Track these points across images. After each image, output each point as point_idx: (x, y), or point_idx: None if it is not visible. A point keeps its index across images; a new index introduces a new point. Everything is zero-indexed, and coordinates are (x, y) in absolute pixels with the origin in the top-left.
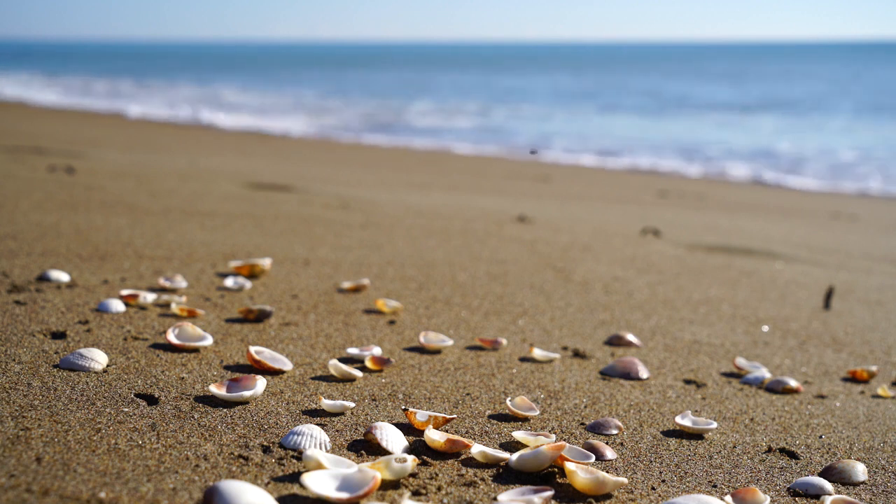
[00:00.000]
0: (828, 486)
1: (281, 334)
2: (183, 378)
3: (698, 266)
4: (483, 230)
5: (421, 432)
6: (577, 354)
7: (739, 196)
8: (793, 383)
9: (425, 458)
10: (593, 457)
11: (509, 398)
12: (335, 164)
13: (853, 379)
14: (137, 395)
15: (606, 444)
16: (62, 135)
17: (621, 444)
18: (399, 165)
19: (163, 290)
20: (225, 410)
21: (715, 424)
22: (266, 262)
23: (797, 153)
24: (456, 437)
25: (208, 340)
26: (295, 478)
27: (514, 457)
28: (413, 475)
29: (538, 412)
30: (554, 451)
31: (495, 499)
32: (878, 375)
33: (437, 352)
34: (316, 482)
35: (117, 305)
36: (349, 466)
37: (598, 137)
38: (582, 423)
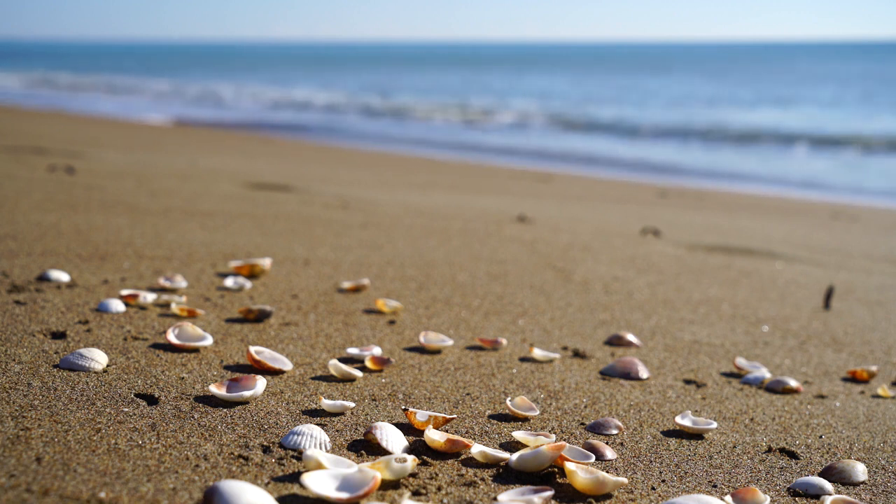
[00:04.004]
0: (828, 486)
1: (281, 334)
2: (183, 378)
3: (698, 266)
4: (483, 230)
5: (421, 432)
6: (577, 354)
7: (739, 196)
8: (793, 383)
9: (425, 458)
10: (593, 457)
11: (509, 398)
12: (335, 164)
13: (853, 379)
14: (137, 395)
15: (606, 444)
16: (62, 135)
17: (621, 444)
18: (399, 165)
19: (163, 290)
20: (225, 410)
21: (715, 424)
22: (266, 262)
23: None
24: (456, 437)
25: (208, 340)
26: (295, 478)
27: (514, 457)
28: (413, 475)
29: (538, 412)
30: (554, 451)
31: (495, 499)
32: (878, 375)
33: (437, 352)
34: (316, 482)
35: (117, 305)
36: (349, 466)
37: None
38: (582, 423)
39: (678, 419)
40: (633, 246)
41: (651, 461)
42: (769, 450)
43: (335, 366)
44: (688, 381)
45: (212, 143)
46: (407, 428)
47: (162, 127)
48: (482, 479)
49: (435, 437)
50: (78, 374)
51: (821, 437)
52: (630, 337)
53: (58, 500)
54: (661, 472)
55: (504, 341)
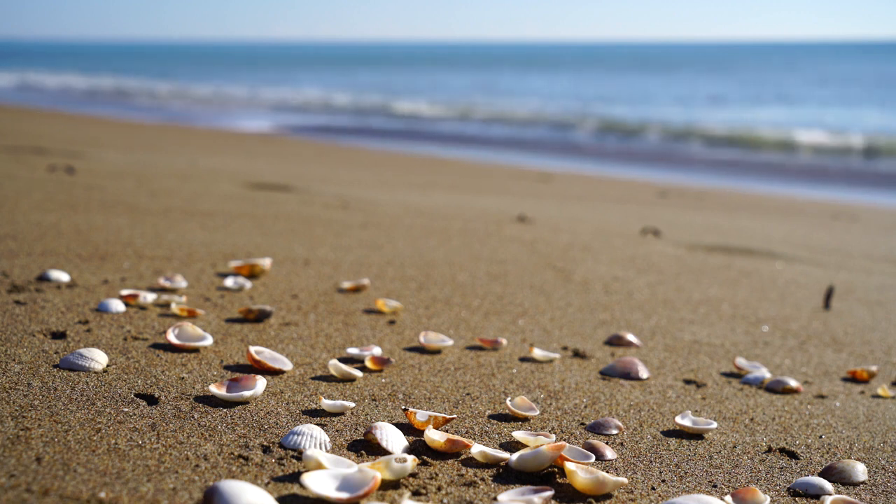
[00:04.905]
0: (828, 486)
1: (281, 334)
2: (183, 378)
3: (698, 266)
4: (483, 230)
5: (421, 432)
6: (577, 354)
7: (739, 196)
8: (793, 383)
9: (425, 458)
10: (593, 457)
11: (509, 398)
12: (335, 164)
13: (853, 379)
14: (137, 395)
15: (606, 444)
16: (62, 135)
17: (621, 444)
18: (399, 165)
19: (163, 290)
20: (225, 410)
21: (715, 424)
22: (266, 262)
23: None
24: (456, 437)
25: (208, 340)
26: (295, 478)
27: (514, 457)
28: (413, 475)
29: (538, 412)
30: (554, 451)
31: (495, 499)
32: (878, 375)
33: (437, 352)
34: (316, 482)
35: (117, 305)
36: (349, 466)
37: None
38: (582, 423)
39: (678, 419)
40: (633, 246)
41: (651, 461)
42: (769, 450)
43: (335, 366)
44: (688, 381)
45: (212, 143)
46: (407, 428)
47: (162, 127)
48: (482, 479)
49: (435, 437)
50: (78, 374)
51: (821, 437)
52: (630, 337)
53: (58, 500)
54: (661, 472)
55: (504, 341)
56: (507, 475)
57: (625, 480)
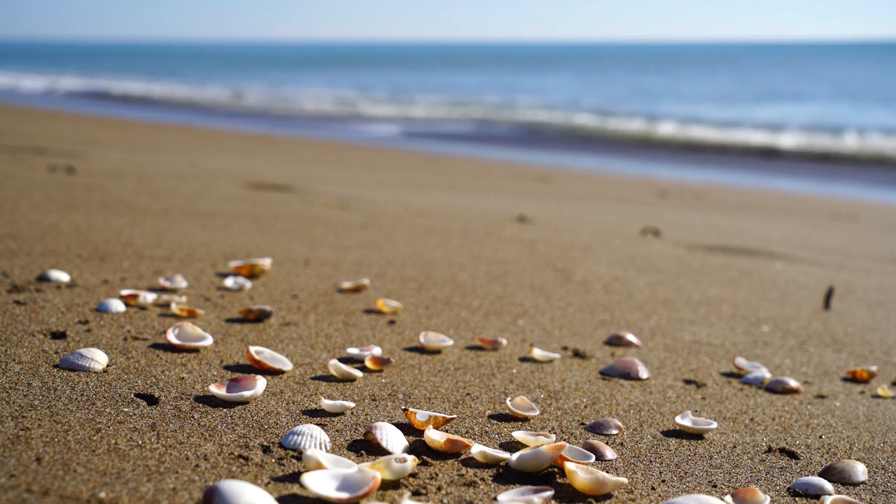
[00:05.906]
0: (828, 486)
1: (281, 334)
2: (183, 378)
3: (698, 266)
4: (483, 230)
5: (421, 432)
6: (577, 354)
7: (739, 196)
8: (793, 383)
9: (425, 458)
10: (593, 457)
11: (509, 398)
12: (335, 164)
13: (853, 379)
14: (137, 395)
15: (606, 444)
16: (62, 135)
17: (621, 444)
18: (399, 165)
19: (163, 290)
20: (225, 410)
21: (715, 424)
22: (266, 262)
23: None
24: (456, 437)
25: (208, 340)
26: (295, 478)
27: (514, 457)
28: (413, 475)
29: (538, 412)
30: (554, 451)
31: (495, 499)
32: (878, 375)
33: (437, 352)
34: (316, 482)
35: (117, 305)
36: (349, 466)
37: None
38: (582, 423)
39: (678, 419)
40: (633, 246)
41: (651, 461)
42: (769, 450)
43: (335, 366)
44: (688, 381)
45: (212, 143)
46: (407, 428)
47: (162, 127)
48: (482, 479)
49: (435, 437)
50: (78, 374)
51: (821, 437)
52: (630, 337)
53: (58, 500)
54: (661, 472)
55: (504, 341)
56: (507, 475)
57: (625, 480)
